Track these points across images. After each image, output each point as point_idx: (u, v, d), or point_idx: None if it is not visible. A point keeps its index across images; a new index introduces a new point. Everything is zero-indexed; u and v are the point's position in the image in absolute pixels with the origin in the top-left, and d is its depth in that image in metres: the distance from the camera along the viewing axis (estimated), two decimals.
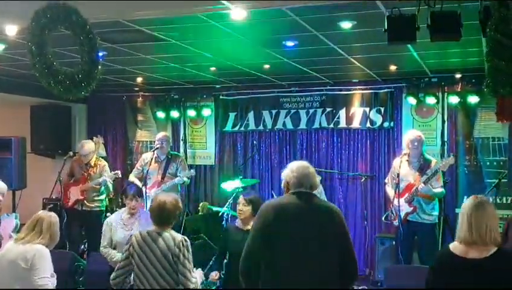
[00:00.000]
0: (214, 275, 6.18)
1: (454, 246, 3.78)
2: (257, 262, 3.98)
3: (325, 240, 3.94)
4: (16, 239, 4.72)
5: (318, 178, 4.35)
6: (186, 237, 4.65)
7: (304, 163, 4.26)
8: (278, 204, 4.09)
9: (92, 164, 8.48)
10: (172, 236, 4.57)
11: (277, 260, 3.93)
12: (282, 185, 4.26)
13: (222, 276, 6.18)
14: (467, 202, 3.81)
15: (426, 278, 3.90)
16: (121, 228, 6.25)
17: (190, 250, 4.60)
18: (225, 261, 6.28)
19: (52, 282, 4.65)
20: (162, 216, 4.62)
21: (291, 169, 4.14)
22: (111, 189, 8.67)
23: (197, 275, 4.69)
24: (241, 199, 5.91)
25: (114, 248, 6.20)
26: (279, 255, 3.92)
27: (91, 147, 8.63)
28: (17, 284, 4.53)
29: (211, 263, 8.25)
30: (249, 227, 5.81)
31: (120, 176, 8.59)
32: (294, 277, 3.89)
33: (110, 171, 8.53)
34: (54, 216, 4.84)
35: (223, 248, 6.17)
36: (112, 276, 4.69)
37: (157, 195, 4.89)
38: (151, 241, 4.55)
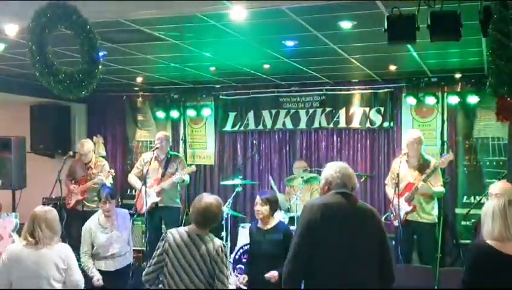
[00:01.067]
0: (242, 278, 6.10)
1: (495, 244, 3.75)
2: (304, 264, 3.89)
3: (369, 242, 3.93)
4: (32, 243, 4.64)
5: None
6: (224, 243, 4.61)
7: (344, 164, 4.23)
8: (323, 204, 4.01)
9: (93, 165, 8.50)
10: (212, 240, 4.49)
11: (323, 259, 3.87)
12: (321, 185, 4.19)
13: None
14: (495, 201, 3.82)
15: (463, 277, 3.84)
16: (100, 232, 6.29)
17: (228, 256, 4.55)
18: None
19: None
20: (206, 218, 4.53)
21: (334, 170, 4.09)
22: None
23: (232, 283, 4.64)
24: (257, 199, 5.89)
25: (94, 251, 6.28)
26: (326, 255, 3.87)
27: (90, 146, 8.66)
28: (57, 285, 4.60)
29: None
30: (269, 226, 5.83)
31: (113, 174, 8.59)
32: (340, 277, 3.85)
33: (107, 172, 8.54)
34: (50, 210, 4.84)
35: (250, 250, 6.15)
36: (144, 272, 4.59)
37: (203, 195, 4.70)
38: (190, 242, 4.45)
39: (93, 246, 6.31)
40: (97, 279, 6.17)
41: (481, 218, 3.91)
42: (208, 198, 4.62)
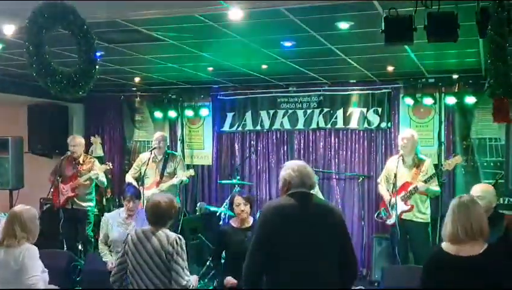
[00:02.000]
0: (230, 280, 5.94)
1: (447, 246, 3.81)
2: (262, 265, 3.94)
3: (327, 241, 3.94)
4: (1, 243, 4.64)
5: (315, 178, 4.33)
6: (180, 236, 4.66)
7: (302, 162, 4.26)
8: (278, 205, 4.07)
9: (81, 161, 8.46)
10: (166, 234, 4.58)
11: (279, 261, 3.91)
12: (280, 185, 4.22)
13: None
14: (454, 201, 3.93)
15: (421, 277, 3.92)
16: (117, 226, 6.35)
17: (184, 248, 4.60)
18: (222, 261, 6.27)
19: (43, 278, 4.67)
20: (156, 216, 4.65)
21: (292, 168, 4.11)
22: (105, 182, 8.65)
23: (191, 278, 4.67)
24: (239, 199, 5.90)
25: (109, 245, 6.39)
26: (281, 256, 3.90)
27: (82, 141, 8.65)
28: (10, 286, 4.53)
29: (208, 262, 8.29)
30: (248, 225, 5.83)
31: (111, 166, 8.59)
32: (298, 278, 3.87)
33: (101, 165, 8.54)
34: (28, 210, 4.78)
35: (219, 249, 6.15)
36: (111, 274, 4.77)
37: (153, 195, 4.95)
38: (145, 239, 4.56)
39: (108, 237, 6.42)
40: (111, 262, 6.23)
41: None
42: (156, 197, 4.81)
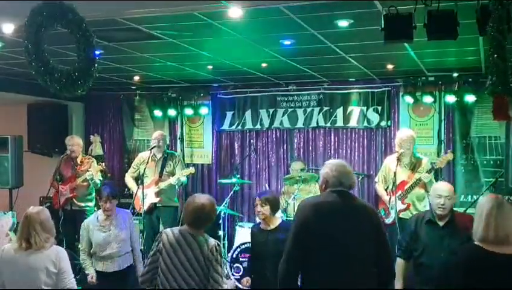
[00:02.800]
0: (245, 281, 6.14)
1: (482, 245, 3.73)
2: (299, 263, 3.92)
3: (365, 239, 3.94)
4: (24, 247, 4.57)
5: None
6: (219, 242, 4.56)
7: (342, 162, 4.26)
8: (317, 203, 4.06)
9: (79, 162, 8.45)
10: (206, 240, 4.49)
11: (318, 259, 3.89)
12: (319, 183, 4.23)
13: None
14: (487, 202, 3.79)
15: (454, 277, 3.83)
16: (97, 230, 6.24)
17: (222, 255, 4.53)
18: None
19: None
20: (199, 218, 4.53)
21: (331, 168, 4.11)
22: (99, 184, 8.62)
23: (228, 284, 4.61)
24: (257, 200, 5.87)
25: (93, 251, 6.24)
26: (320, 254, 3.88)
27: (80, 142, 8.64)
28: (48, 288, 4.53)
29: None
30: (273, 226, 5.82)
31: (104, 167, 8.57)
32: (334, 277, 3.85)
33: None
34: (44, 209, 4.77)
35: (252, 252, 6.15)
36: (141, 273, 4.64)
37: (195, 196, 4.72)
38: (183, 241, 4.46)
39: (91, 245, 6.27)
40: (91, 276, 6.19)
41: (475, 218, 3.89)
42: (200, 198, 4.62)
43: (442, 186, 5.30)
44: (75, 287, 4.62)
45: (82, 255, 6.30)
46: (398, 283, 5.17)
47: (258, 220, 6.27)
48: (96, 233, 6.22)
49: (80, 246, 6.34)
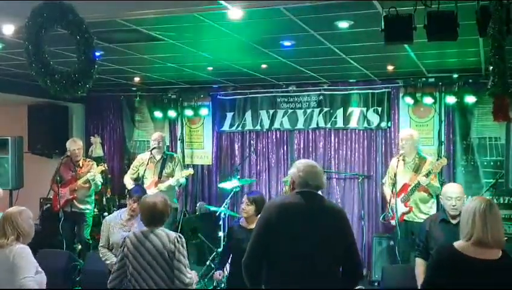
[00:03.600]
0: (218, 274, 6.24)
1: (462, 246, 3.69)
2: (260, 261, 3.98)
3: (327, 241, 3.93)
4: None
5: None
6: (180, 234, 4.67)
7: (310, 162, 4.25)
8: (281, 203, 4.08)
9: (80, 164, 8.46)
10: (167, 233, 4.59)
11: (278, 259, 3.93)
12: (288, 183, 4.25)
13: (226, 275, 6.22)
14: (476, 203, 3.75)
15: (426, 276, 3.84)
16: (119, 228, 6.18)
17: (185, 246, 4.61)
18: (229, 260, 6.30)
19: (36, 280, 4.51)
20: (154, 217, 4.64)
21: (298, 168, 4.11)
22: (100, 186, 8.63)
23: (192, 274, 4.68)
24: (244, 198, 5.94)
25: (111, 249, 6.16)
26: (280, 254, 3.92)
27: (80, 144, 8.64)
28: (5, 287, 4.45)
29: (208, 262, 8.29)
30: (253, 226, 5.83)
31: (106, 167, 8.57)
32: (295, 277, 3.87)
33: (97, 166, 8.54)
34: (21, 210, 4.72)
35: (227, 247, 6.19)
36: (109, 279, 4.71)
37: (145, 197, 4.92)
38: (145, 240, 4.55)
39: (109, 242, 6.22)
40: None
41: (461, 219, 3.86)
42: (150, 198, 4.79)
43: (453, 189, 5.53)
44: (29, 287, 4.39)
45: (101, 249, 6.22)
46: (419, 281, 5.25)
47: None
48: (117, 231, 6.13)
49: (100, 241, 6.29)
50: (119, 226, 6.21)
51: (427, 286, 3.80)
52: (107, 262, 6.13)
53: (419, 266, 5.41)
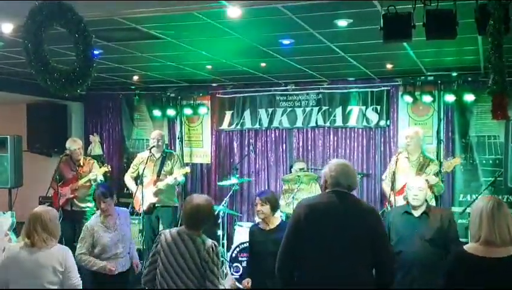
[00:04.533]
0: (246, 282, 6.11)
1: (472, 247, 3.69)
2: (292, 263, 3.97)
3: (357, 241, 3.91)
4: (28, 244, 4.58)
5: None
6: (216, 243, 4.56)
7: (343, 162, 4.25)
8: (312, 203, 4.07)
9: (81, 163, 8.46)
10: (203, 240, 4.48)
11: (309, 260, 3.91)
12: (321, 183, 4.24)
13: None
14: (484, 203, 3.73)
15: (444, 284, 3.81)
16: (103, 231, 6.13)
17: (219, 256, 4.52)
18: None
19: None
20: (195, 219, 4.53)
21: (330, 168, 4.11)
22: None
23: (226, 283, 4.61)
24: (257, 200, 5.91)
25: (97, 252, 6.09)
26: (312, 256, 3.90)
27: (81, 144, 8.65)
28: (53, 288, 4.52)
29: None
30: (272, 226, 5.83)
31: (110, 169, 8.57)
32: (326, 278, 3.85)
33: (100, 168, 8.53)
34: (51, 210, 4.80)
35: (251, 252, 6.16)
36: (143, 274, 4.64)
37: (193, 196, 4.72)
38: (180, 241, 4.46)
39: (94, 248, 6.10)
40: (109, 265, 6.02)
41: (470, 219, 3.86)
42: (197, 199, 4.63)
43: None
44: (80, 287, 4.63)
45: (82, 256, 6.02)
46: None
47: (257, 219, 6.27)
48: (103, 234, 6.09)
49: (79, 250, 6.08)
50: (103, 229, 6.14)
51: (447, 284, 3.77)
52: (94, 268, 6.02)
53: None
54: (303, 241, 3.91)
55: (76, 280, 4.62)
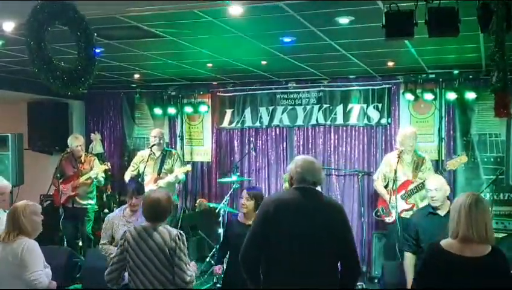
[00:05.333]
0: (217, 269, 6.30)
1: (448, 243, 3.69)
2: (257, 255, 4.01)
3: (323, 237, 3.93)
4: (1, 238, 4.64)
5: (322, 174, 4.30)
6: (181, 231, 4.67)
7: (308, 158, 4.27)
8: (278, 199, 4.12)
9: (83, 160, 8.47)
10: (168, 230, 4.58)
11: (275, 254, 3.95)
12: (287, 179, 4.27)
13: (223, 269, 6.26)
14: (463, 199, 3.74)
15: (417, 271, 3.84)
16: (123, 225, 6.23)
17: (186, 244, 4.61)
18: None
19: (46, 273, 4.63)
20: (156, 212, 4.64)
21: (296, 164, 4.14)
22: (103, 182, 8.65)
23: (191, 266, 4.68)
24: (244, 193, 5.97)
25: (116, 245, 6.16)
26: (277, 250, 3.94)
27: (82, 140, 8.65)
28: (13, 281, 4.50)
29: (207, 259, 8.29)
30: (251, 222, 5.84)
31: (110, 167, 8.58)
32: (292, 273, 3.88)
33: (101, 165, 8.54)
34: (30, 205, 4.79)
35: (225, 241, 6.21)
36: (106, 271, 4.68)
37: (149, 192, 4.96)
38: (146, 236, 4.55)
39: (113, 239, 6.28)
40: None
41: (449, 215, 3.85)
42: (154, 194, 4.79)
43: (430, 181, 5.82)
44: (40, 282, 4.50)
45: (102, 245, 6.32)
46: (409, 275, 5.58)
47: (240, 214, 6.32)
48: (121, 228, 6.16)
49: (101, 238, 6.36)
50: (123, 223, 6.27)
51: (417, 277, 3.86)
52: (111, 256, 6.12)
53: (408, 260, 5.67)
54: (270, 235, 3.95)
55: (33, 276, 4.48)
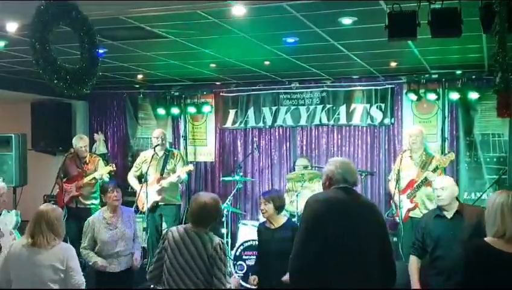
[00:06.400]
0: (252, 280, 6.14)
1: (493, 241, 3.64)
2: (312, 258, 3.80)
3: (371, 237, 3.90)
4: (30, 243, 4.58)
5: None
6: (223, 240, 4.55)
7: (346, 159, 4.25)
8: (327, 198, 4.00)
9: (87, 160, 8.48)
10: (210, 237, 4.47)
11: (326, 254, 3.81)
12: (322, 180, 4.18)
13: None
14: (503, 198, 3.69)
15: (463, 275, 3.77)
16: (104, 227, 6.19)
17: (226, 253, 4.52)
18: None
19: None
20: (200, 217, 4.51)
21: (335, 165, 4.08)
22: (107, 182, 8.66)
23: (232, 282, 4.56)
24: (261, 199, 5.94)
25: (98, 249, 6.16)
26: (328, 250, 3.80)
27: (87, 141, 8.66)
28: (55, 286, 4.52)
29: None
30: (277, 225, 5.84)
31: (115, 168, 8.59)
32: (342, 273, 3.79)
33: (106, 166, 8.54)
34: (56, 209, 4.80)
35: (258, 248, 6.17)
36: (148, 270, 4.62)
37: (199, 194, 4.72)
38: (188, 239, 4.45)
39: (95, 243, 6.21)
40: (100, 261, 6.10)
41: (485, 214, 3.80)
42: (203, 197, 4.61)
43: (437, 180, 5.67)
44: (84, 286, 4.62)
45: (83, 251, 6.19)
46: (413, 278, 5.46)
47: (261, 218, 6.28)
48: (103, 231, 6.16)
49: (82, 244, 6.25)
50: (104, 225, 6.21)
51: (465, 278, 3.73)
52: (94, 260, 6.13)
53: (413, 264, 5.50)
54: (322, 235, 3.79)
55: (79, 279, 4.61)
